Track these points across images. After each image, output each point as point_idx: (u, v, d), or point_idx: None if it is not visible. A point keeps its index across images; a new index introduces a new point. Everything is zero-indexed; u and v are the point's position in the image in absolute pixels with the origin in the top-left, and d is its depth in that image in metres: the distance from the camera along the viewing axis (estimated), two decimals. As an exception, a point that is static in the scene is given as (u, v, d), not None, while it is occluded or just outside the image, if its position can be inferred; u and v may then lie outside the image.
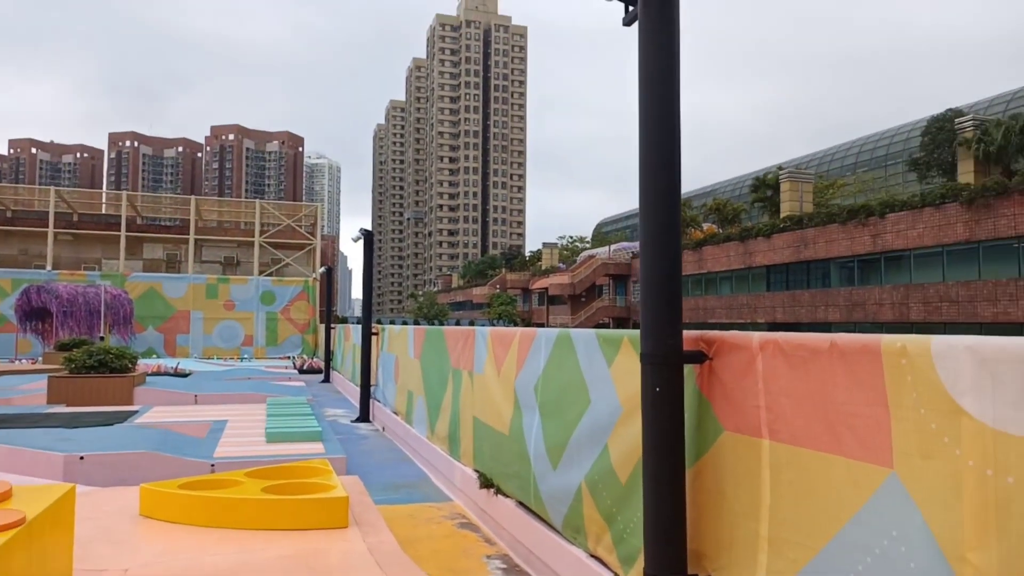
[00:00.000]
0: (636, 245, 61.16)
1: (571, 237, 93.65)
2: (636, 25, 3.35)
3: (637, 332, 3.70)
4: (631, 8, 3.42)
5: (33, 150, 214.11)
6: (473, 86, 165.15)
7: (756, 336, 3.01)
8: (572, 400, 4.56)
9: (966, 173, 33.06)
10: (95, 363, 13.09)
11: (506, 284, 79.82)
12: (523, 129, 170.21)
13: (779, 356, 2.87)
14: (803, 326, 38.19)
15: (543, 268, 76.45)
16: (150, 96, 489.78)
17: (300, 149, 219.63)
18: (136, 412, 11.01)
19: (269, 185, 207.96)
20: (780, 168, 50.78)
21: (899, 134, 54.58)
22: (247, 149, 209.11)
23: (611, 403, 4.05)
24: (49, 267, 32.90)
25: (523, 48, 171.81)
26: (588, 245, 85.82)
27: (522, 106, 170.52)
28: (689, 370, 3.35)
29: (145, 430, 8.78)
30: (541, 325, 67.59)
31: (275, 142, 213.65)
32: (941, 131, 39.33)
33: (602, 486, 4.12)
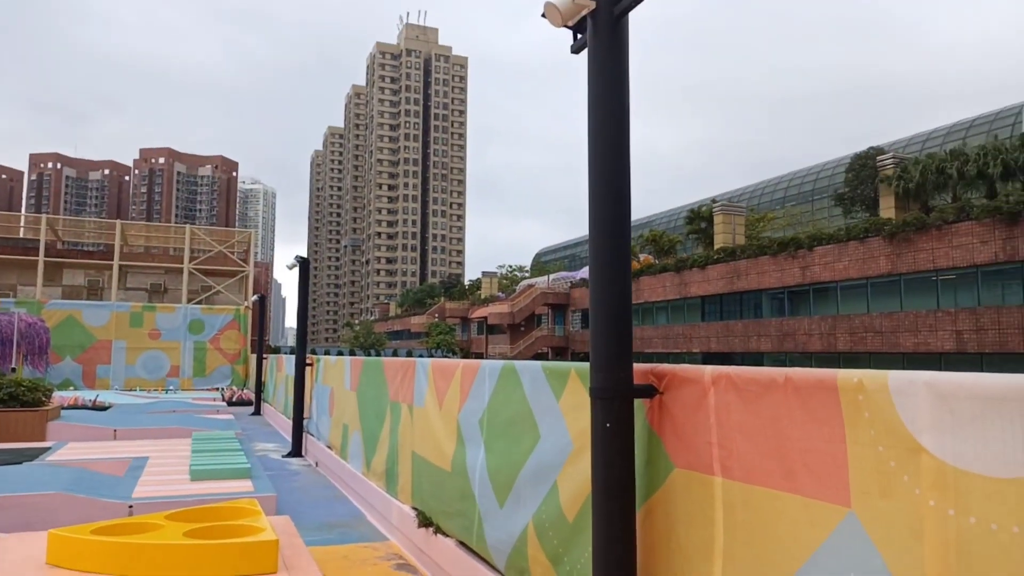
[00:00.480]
0: (575, 274, 61.80)
1: (510, 266, 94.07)
2: (584, 53, 3.30)
3: (584, 364, 3.61)
4: (579, 36, 3.37)
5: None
6: (413, 114, 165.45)
7: (708, 370, 2.94)
8: (521, 435, 4.41)
9: (887, 209, 34.64)
10: (5, 396, 12.26)
11: (445, 313, 79.32)
12: (463, 158, 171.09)
13: (732, 391, 2.80)
14: (736, 356, 39.06)
15: (482, 297, 76.36)
16: (76, 117, 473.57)
17: (234, 174, 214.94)
18: (49, 449, 10.30)
19: (200, 210, 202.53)
20: (714, 201, 52.28)
21: (825, 170, 57.02)
22: (178, 173, 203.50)
23: (561, 439, 3.92)
24: (-42, 293, 30.99)
25: (463, 78, 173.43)
26: (527, 274, 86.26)
27: (462, 135, 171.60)
28: (639, 405, 3.26)
29: (57, 468, 8.19)
30: (480, 355, 67.35)
31: (208, 166, 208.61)
32: (864, 168, 41.24)
33: (549, 525, 3.97)
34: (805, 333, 35.22)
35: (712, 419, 2.88)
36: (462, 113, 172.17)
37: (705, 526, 2.88)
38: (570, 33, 3.45)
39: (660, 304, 45.84)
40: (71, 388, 27.69)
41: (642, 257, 51.62)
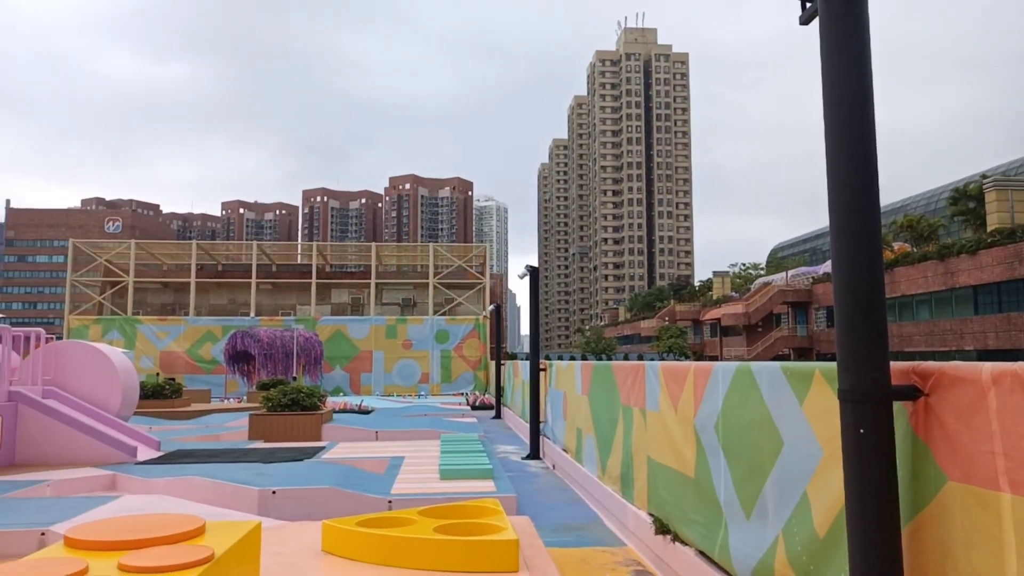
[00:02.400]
0: (817, 269, 57.16)
1: (743, 264, 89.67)
2: (815, 23, 3.02)
3: (830, 364, 3.29)
4: (808, 3, 3.08)
5: (241, 210, 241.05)
6: (635, 117, 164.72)
7: (987, 367, 2.52)
8: (761, 442, 4.14)
9: None
10: (289, 402, 14.11)
11: (675, 316, 77.75)
12: (688, 156, 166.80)
13: (1020, 391, 2.37)
14: (1022, 353, 33.66)
15: (714, 298, 73.69)
16: (337, 154, 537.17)
17: (470, 193, 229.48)
18: (323, 448, 11.67)
19: (442, 229, 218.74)
20: (984, 177, 45.75)
21: None
22: (422, 196, 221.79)
23: (808, 446, 3.61)
24: (252, 314, 36.43)
25: (685, 75, 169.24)
26: (762, 272, 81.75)
27: (686, 133, 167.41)
28: (899, 408, 2.89)
29: (330, 466, 9.23)
30: (714, 358, 64.97)
31: (447, 188, 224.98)
32: None
33: (799, 540, 3.67)
34: (1117, 324, 29.40)
35: (994, 425, 2.47)
36: (684, 111, 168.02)
37: (991, 550, 2.47)
38: (797, 3, 3.17)
39: (921, 297, 40.95)
40: (340, 394, 31.24)
41: (896, 246, 46.53)
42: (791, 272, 61.28)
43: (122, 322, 35.10)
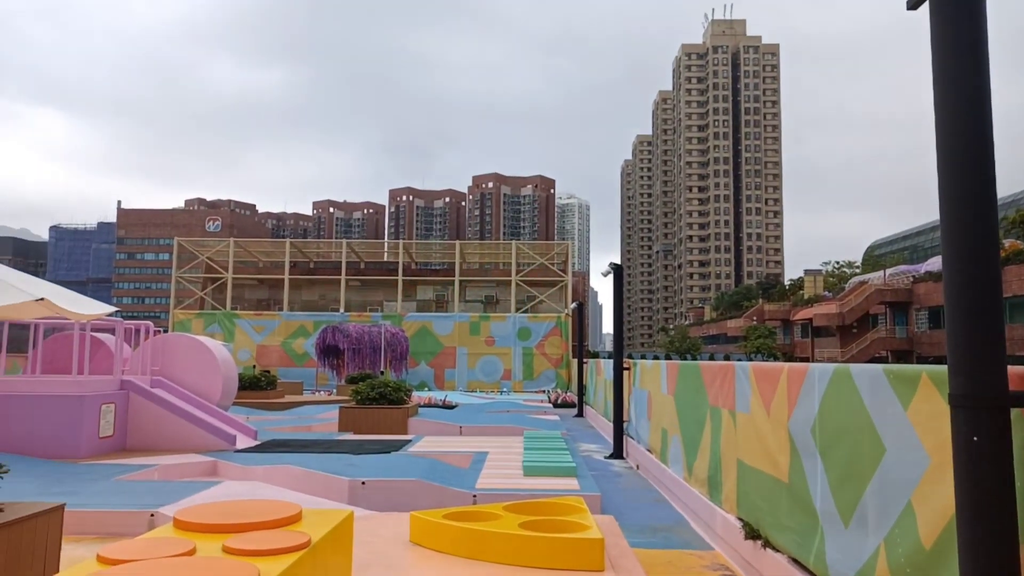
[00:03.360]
0: (918, 267, 54.20)
1: (837, 263, 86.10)
2: (925, 7, 2.86)
3: (937, 368, 3.12)
4: (916, -13, 2.92)
5: (331, 209, 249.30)
6: (722, 112, 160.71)
7: (1121, 374, 2.33)
8: (861, 447, 3.97)
9: None
10: (376, 395, 14.49)
11: (763, 316, 75.44)
12: (778, 151, 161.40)
13: None
14: None
15: (806, 297, 71.04)
16: (422, 153, 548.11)
17: (552, 191, 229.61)
18: (410, 441, 11.93)
19: (524, 227, 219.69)
20: (1107, 168, 42.34)
21: None
22: (504, 195, 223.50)
23: (913, 453, 3.44)
24: (342, 310, 37.60)
25: (775, 67, 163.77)
26: (858, 271, 78.31)
27: (776, 127, 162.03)
28: (1016, 415, 2.70)
29: (417, 459, 9.42)
30: (805, 359, 62.65)
31: (529, 186, 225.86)
32: None
33: (902, 551, 3.49)
34: None
35: None
36: (775, 104, 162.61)
37: None
38: (902, -12, 3.02)
39: (1035, 298, 38.22)
40: (425, 389, 31.86)
41: (1007, 243, 43.63)
42: (890, 271, 58.40)
43: (222, 316, 36.92)
